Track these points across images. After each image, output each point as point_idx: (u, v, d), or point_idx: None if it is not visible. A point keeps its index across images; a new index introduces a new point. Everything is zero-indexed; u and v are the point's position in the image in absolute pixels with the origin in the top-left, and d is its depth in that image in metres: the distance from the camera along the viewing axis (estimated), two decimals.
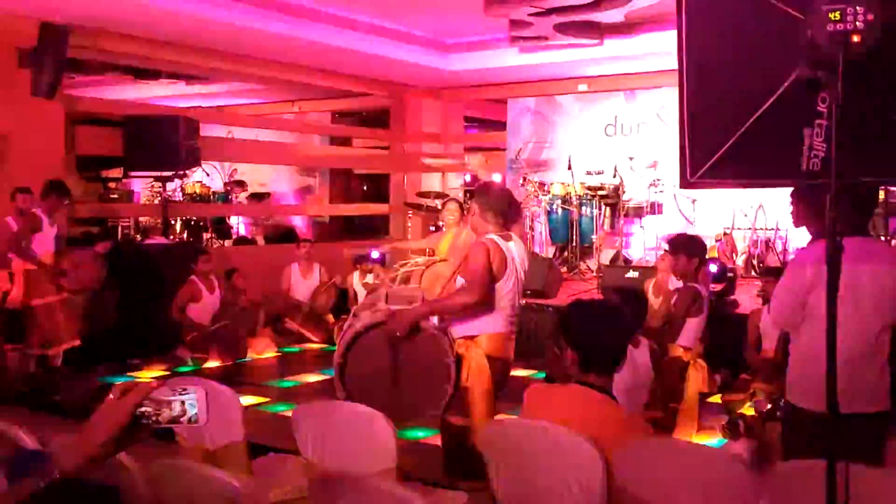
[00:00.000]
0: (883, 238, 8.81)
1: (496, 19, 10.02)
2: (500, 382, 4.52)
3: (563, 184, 12.08)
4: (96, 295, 8.77)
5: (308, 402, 3.78)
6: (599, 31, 10.32)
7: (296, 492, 3.51)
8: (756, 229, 11.02)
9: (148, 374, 8.18)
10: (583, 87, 12.89)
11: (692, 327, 5.92)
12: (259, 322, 9.57)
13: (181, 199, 13.99)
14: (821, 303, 3.51)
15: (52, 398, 7.28)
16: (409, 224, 12.43)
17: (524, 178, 12.48)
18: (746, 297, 8.44)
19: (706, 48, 2.76)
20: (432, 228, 12.04)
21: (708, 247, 10.47)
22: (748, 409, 5.93)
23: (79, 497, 1.70)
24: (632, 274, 8.91)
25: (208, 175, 14.79)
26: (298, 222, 15.46)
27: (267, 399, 7.24)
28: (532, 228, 11.92)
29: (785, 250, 10.69)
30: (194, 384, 1.75)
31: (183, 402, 1.69)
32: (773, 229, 10.93)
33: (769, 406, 5.87)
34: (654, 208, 11.68)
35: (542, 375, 6.31)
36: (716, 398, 6.34)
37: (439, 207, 11.98)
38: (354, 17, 10.39)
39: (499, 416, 4.39)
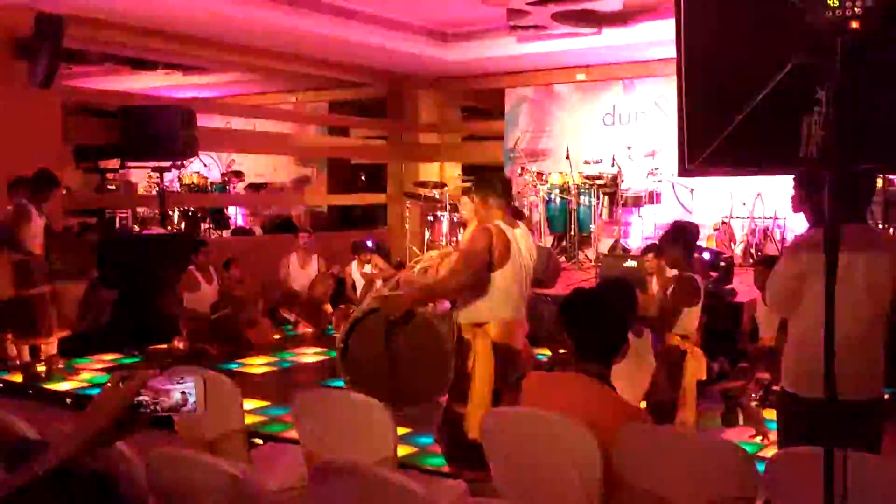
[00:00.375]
0: (881, 226, 8.81)
1: (494, 8, 9.99)
2: (506, 370, 4.45)
3: (561, 173, 12.07)
4: (94, 286, 8.78)
5: (307, 388, 3.79)
6: (597, 20, 10.29)
7: (296, 481, 3.51)
8: (754, 218, 11.03)
9: (147, 366, 8.19)
10: (581, 76, 12.87)
11: (688, 316, 5.91)
12: (258, 312, 9.57)
13: (179, 189, 13.97)
14: (815, 290, 3.53)
15: (48, 388, 7.30)
16: (408, 214, 12.41)
17: (522, 168, 12.46)
18: (745, 287, 8.44)
19: (704, 35, 2.75)
20: (430, 218, 12.03)
21: (705, 235, 10.55)
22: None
23: (77, 485, 1.70)
24: (630, 263, 8.90)
25: (206, 166, 14.76)
26: (296, 212, 15.43)
27: (264, 389, 7.23)
28: (530, 218, 11.90)
29: (783, 239, 10.70)
30: (193, 373, 1.74)
31: (182, 392, 1.69)
32: (771, 218, 10.93)
33: (761, 392, 5.90)
34: (653, 197, 11.68)
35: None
36: (714, 386, 6.34)
37: (437, 197, 11.99)
38: (352, 6, 10.34)
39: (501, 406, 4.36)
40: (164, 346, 8.66)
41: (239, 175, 14.94)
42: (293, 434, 3.83)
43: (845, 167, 2.81)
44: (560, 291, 9.40)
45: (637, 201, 11.73)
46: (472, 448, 4.25)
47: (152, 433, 2.01)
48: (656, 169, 11.62)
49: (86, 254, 8.13)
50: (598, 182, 11.73)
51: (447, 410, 4.52)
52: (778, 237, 10.84)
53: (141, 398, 1.68)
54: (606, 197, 11.80)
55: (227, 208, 14.56)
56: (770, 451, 4.84)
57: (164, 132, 9.68)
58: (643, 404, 5.45)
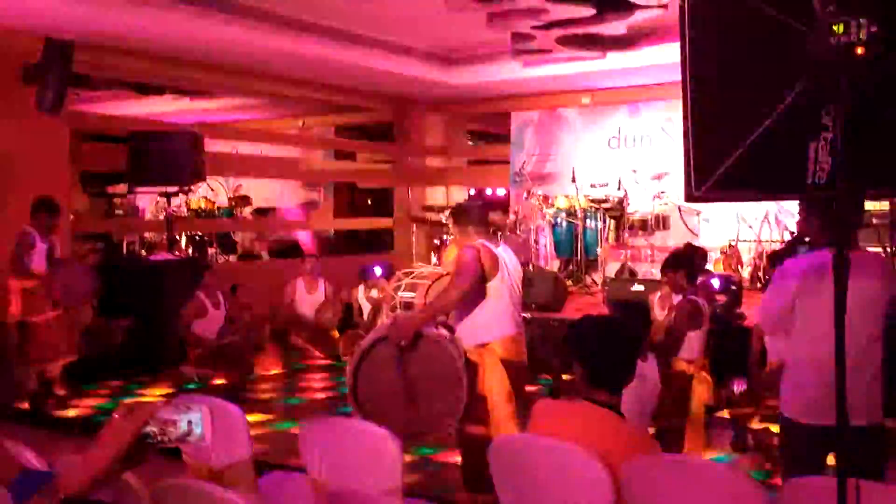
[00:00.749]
0: (889, 249, 8.78)
1: (499, 33, 10.04)
2: (517, 386, 4.49)
3: (567, 197, 12.08)
4: (102, 313, 8.78)
5: (314, 418, 3.77)
6: (602, 44, 10.33)
7: None
8: (761, 241, 11.00)
9: (155, 392, 8.18)
10: (586, 99, 12.91)
11: (693, 340, 5.89)
12: (264, 338, 9.54)
13: (186, 214, 14.00)
14: (806, 316, 3.54)
15: (53, 415, 7.28)
16: (414, 238, 12.42)
17: (528, 192, 12.48)
18: (753, 311, 8.40)
19: (709, 61, 2.76)
20: (437, 242, 12.05)
21: (712, 259, 10.52)
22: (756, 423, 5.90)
23: None
24: (637, 287, 8.89)
25: (213, 190, 14.81)
26: (303, 237, 15.46)
27: (271, 416, 7.21)
28: (537, 242, 11.91)
29: None
30: (199, 402, 1.74)
31: (189, 422, 1.69)
32: (778, 241, 10.91)
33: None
34: (659, 221, 11.66)
35: (549, 385, 6.29)
36: (724, 412, 6.31)
37: (444, 221, 12.00)
38: (357, 31, 10.41)
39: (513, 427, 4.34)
40: (172, 371, 8.63)
41: (246, 199, 14.98)
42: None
43: (853, 192, 2.81)
44: (567, 315, 9.39)
45: (643, 225, 11.72)
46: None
47: (159, 462, 2.01)
48: (663, 192, 11.62)
49: (88, 279, 8.12)
50: (605, 205, 11.74)
51: (461, 433, 4.51)
52: None
53: (148, 429, 1.68)
54: (613, 220, 11.80)
55: (234, 233, 14.58)
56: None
57: (171, 157, 9.71)
58: (651, 430, 5.42)
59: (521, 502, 2.99)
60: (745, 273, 10.93)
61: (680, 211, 11.81)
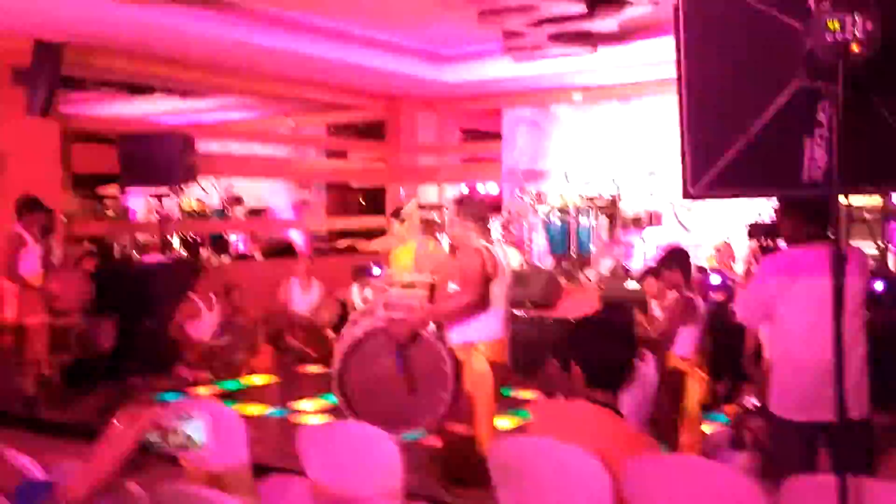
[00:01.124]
0: (880, 244, 8.80)
1: (490, 30, 10.03)
2: (499, 387, 4.55)
3: (560, 194, 12.07)
4: (93, 314, 8.75)
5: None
6: (593, 40, 10.33)
7: None
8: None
9: (149, 394, 8.13)
10: (578, 96, 12.90)
11: (687, 337, 5.89)
12: (259, 339, 9.53)
13: (178, 215, 13.96)
14: (788, 314, 3.56)
15: (49, 419, 7.25)
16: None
17: (521, 189, 12.47)
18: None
19: (704, 59, 2.76)
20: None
21: (706, 256, 10.53)
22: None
23: None
24: (632, 285, 8.90)
25: (205, 191, 14.75)
26: (296, 237, 15.42)
27: (267, 417, 7.18)
28: (530, 240, 11.91)
29: None
30: (199, 409, 1.73)
31: (189, 430, 1.68)
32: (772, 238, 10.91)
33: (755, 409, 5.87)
34: (652, 218, 11.67)
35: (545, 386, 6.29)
36: (720, 409, 6.32)
37: (437, 220, 11.98)
38: (348, 29, 10.39)
39: (501, 430, 4.37)
40: (166, 373, 8.61)
41: (238, 200, 14.94)
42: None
43: (847, 189, 2.81)
44: (562, 313, 9.39)
45: (637, 222, 11.73)
46: (474, 467, 4.25)
47: (157, 468, 2.00)
48: (655, 189, 11.62)
49: (83, 284, 8.10)
50: (598, 203, 11.74)
51: (444, 431, 4.53)
52: None
53: (149, 437, 1.67)
54: (606, 217, 11.80)
55: (226, 233, 14.55)
56: None
57: (163, 158, 9.67)
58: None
59: (520, 502, 2.98)
60: (739, 269, 10.94)
61: (673, 207, 11.82)
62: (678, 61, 2.76)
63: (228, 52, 10.19)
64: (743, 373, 6.73)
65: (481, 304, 4.36)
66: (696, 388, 5.87)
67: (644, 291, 7.53)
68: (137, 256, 12.12)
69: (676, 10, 2.70)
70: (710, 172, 2.70)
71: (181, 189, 10.82)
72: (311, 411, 7.41)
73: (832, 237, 3.57)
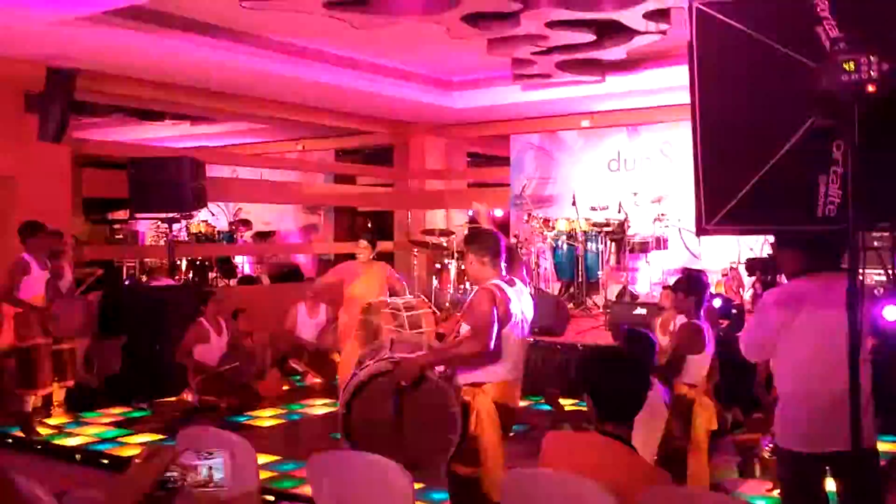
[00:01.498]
0: (890, 272, 8.78)
1: (499, 58, 10.09)
2: (507, 429, 4.50)
3: (567, 220, 12.10)
4: (100, 338, 8.78)
5: (319, 446, 3.76)
6: (601, 68, 10.38)
7: None
8: None
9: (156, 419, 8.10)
10: (585, 123, 12.96)
11: (695, 364, 5.87)
12: (266, 363, 9.53)
13: (186, 238, 14.02)
14: (793, 347, 3.56)
15: (57, 444, 7.25)
16: (415, 262, 12.42)
17: (528, 215, 12.50)
18: None
19: (719, 96, 2.79)
20: (438, 266, 12.05)
21: (713, 282, 10.52)
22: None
23: None
24: (639, 311, 8.89)
25: (213, 214, 14.83)
26: (303, 260, 15.47)
27: (278, 457, 7.12)
28: (537, 265, 11.92)
29: None
30: (212, 438, 1.74)
31: (209, 467, 1.69)
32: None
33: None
34: (660, 243, 11.68)
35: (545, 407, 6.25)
36: (728, 437, 6.29)
37: (444, 245, 12.01)
38: (357, 56, 10.47)
39: (509, 464, 4.34)
40: (173, 398, 8.61)
41: (246, 223, 14.99)
42: (304, 490, 3.80)
43: (863, 226, 2.82)
44: (569, 339, 9.39)
45: (644, 247, 11.74)
46: None
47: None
48: (663, 215, 11.64)
49: (87, 315, 8.14)
50: (605, 228, 11.75)
51: (450, 472, 4.49)
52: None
53: (170, 474, 1.68)
54: (613, 243, 11.80)
55: (234, 257, 14.59)
56: None
57: (173, 184, 9.73)
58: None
59: None
60: (747, 296, 10.93)
61: (680, 233, 11.83)
62: (692, 97, 2.78)
63: (239, 79, 10.27)
64: (752, 400, 6.69)
65: (492, 353, 4.30)
66: (704, 416, 5.84)
67: (658, 303, 7.53)
68: (146, 280, 12.16)
69: (690, 49, 2.72)
70: (724, 209, 2.72)
71: (191, 215, 10.89)
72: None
73: (841, 269, 3.59)
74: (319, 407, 8.74)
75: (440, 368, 4.51)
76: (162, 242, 12.86)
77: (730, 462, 6.14)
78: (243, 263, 15.02)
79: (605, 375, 3.03)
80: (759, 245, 10.99)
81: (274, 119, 13.07)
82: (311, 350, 10.01)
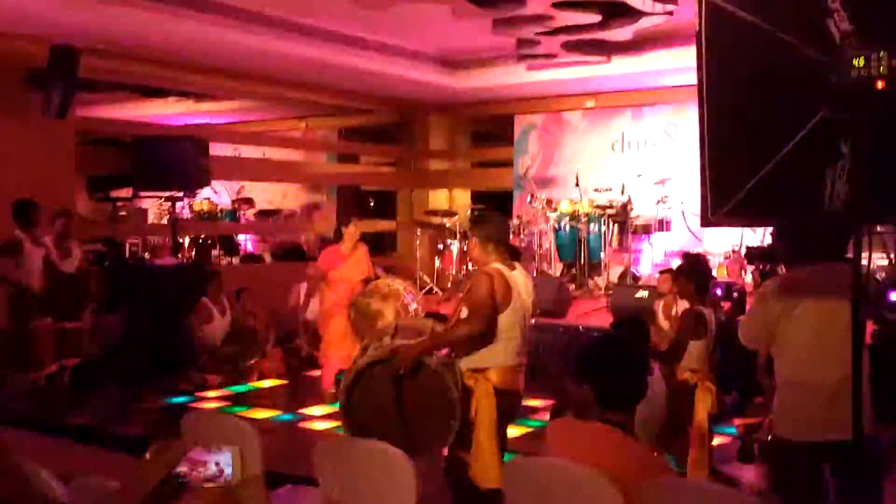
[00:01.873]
0: (893, 257, 8.79)
1: (504, 38, 10.05)
2: (510, 414, 4.51)
3: (570, 201, 12.06)
4: (101, 316, 8.79)
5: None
6: (607, 49, 10.34)
7: None
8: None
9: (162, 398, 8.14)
10: (590, 103, 12.91)
11: (697, 349, 5.88)
12: (268, 343, 9.55)
13: (189, 216, 14.00)
14: (792, 335, 3.57)
15: (58, 420, 7.27)
16: (418, 242, 12.42)
17: (532, 196, 12.47)
18: None
19: (728, 89, 2.78)
20: (440, 246, 12.05)
21: (716, 264, 10.51)
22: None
23: None
24: (641, 293, 8.88)
25: (216, 192, 14.80)
26: (306, 240, 15.43)
27: (276, 422, 7.19)
28: (540, 246, 11.91)
29: None
30: (228, 443, 1.76)
31: (218, 462, 1.70)
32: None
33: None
34: (663, 225, 11.67)
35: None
36: (729, 421, 6.32)
37: (447, 226, 12.01)
38: (362, 35, 10.42)
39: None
40: (176, 376, 8.63)
41: (249, 202, 14.97)
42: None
43: (869, 220, 2.82)
44: (571, 321, 9.40)
45: (647, 229, 11.73)
46: (480, 495, 4.26)
47: None
48: (666, 196, 11.62)
49: (86, 289, 8.16)
50: (608, 210, 11.73)
51: (451, 457, 4.52)
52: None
53: (179, 469, 1.69)
54: (616, 225, 11.78)
55: (236, 235, 14.58)
56: None
57: (176, 162, 9.72)
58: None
59: None
60: (748, 278, 10.93)
61: (683, 215, 11.81)
62: (700, 90, 2.78)
63: (242, 57, 10.23)
64: (752, 384, 6.71)
65: (487, 334, 4.32)
66: (705, 401, 5.86)
67: (657, 288, 7.53)
68: (149, 258, 12.17)
69: (699, 39, 2.71)
70: (730, 202, 2.72)
71: (194, 193, 10.88)
72: (319, 416, 7.44)
73: (846, 259, 3.60)
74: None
75: (445, 351, 4.53)
76: (165, 220, 12.86)
77: (730, 446, 6.17)
78: (246, 241, 15.00)
79: (603, 364, 3.04)
80: (762, 229, 10.98)
81: (278, 97, 13.04)
82: (315, 330, 10.01)
